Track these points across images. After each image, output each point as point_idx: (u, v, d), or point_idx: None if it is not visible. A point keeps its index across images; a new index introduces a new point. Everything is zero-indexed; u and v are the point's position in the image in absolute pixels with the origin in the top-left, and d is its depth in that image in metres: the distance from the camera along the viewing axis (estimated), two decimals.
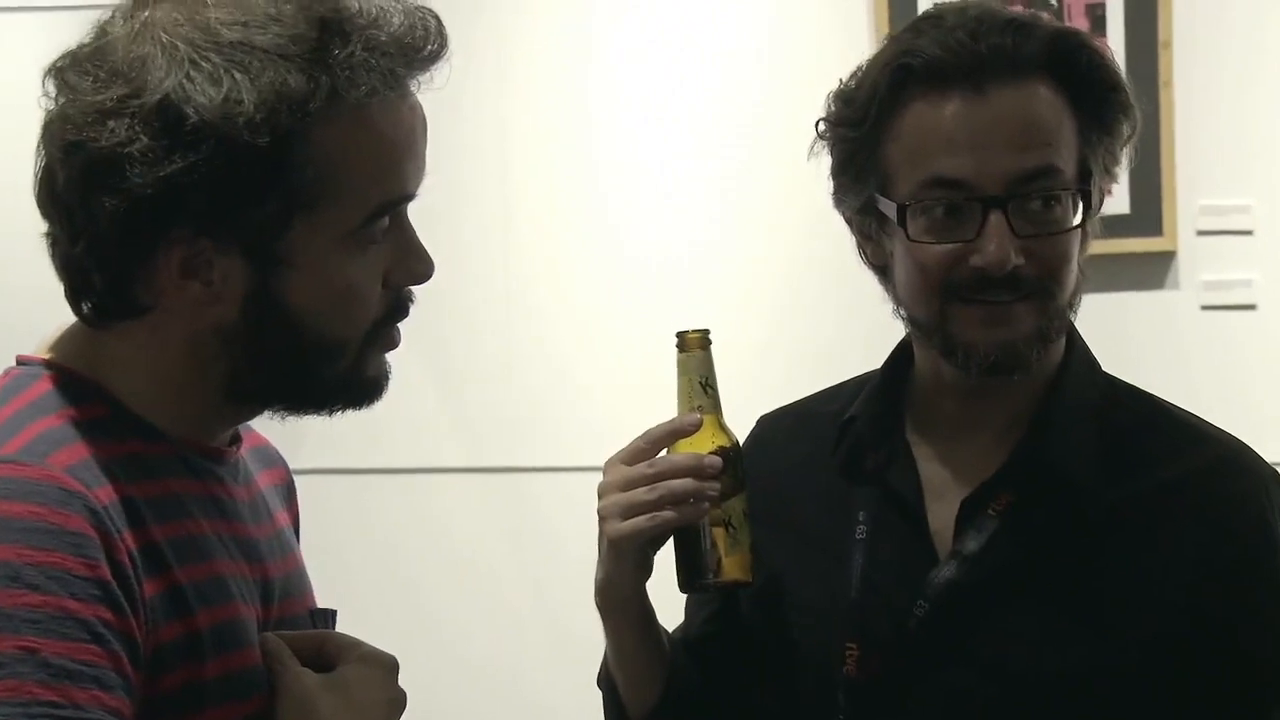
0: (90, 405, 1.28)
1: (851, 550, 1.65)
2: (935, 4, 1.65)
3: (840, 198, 1.66)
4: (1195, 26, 3.18)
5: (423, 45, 1.29)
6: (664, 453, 1.59)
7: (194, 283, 1.26)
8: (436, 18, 1.31)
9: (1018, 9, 1.66)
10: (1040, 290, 1.57)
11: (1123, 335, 3.05)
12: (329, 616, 1.44)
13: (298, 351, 1.30)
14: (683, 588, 1.61)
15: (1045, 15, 1.68)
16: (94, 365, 1.31)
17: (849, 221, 1.67)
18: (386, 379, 1.36)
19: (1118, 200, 3.12)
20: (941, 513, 1.63)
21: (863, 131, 1.60)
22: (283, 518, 1.48)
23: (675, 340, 1.60)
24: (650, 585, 1.64)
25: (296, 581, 1.44)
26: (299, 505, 1.55)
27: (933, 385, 1.67)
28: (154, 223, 1.23)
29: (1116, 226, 2.98)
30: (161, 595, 1.24)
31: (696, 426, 1.58)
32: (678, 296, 3.36)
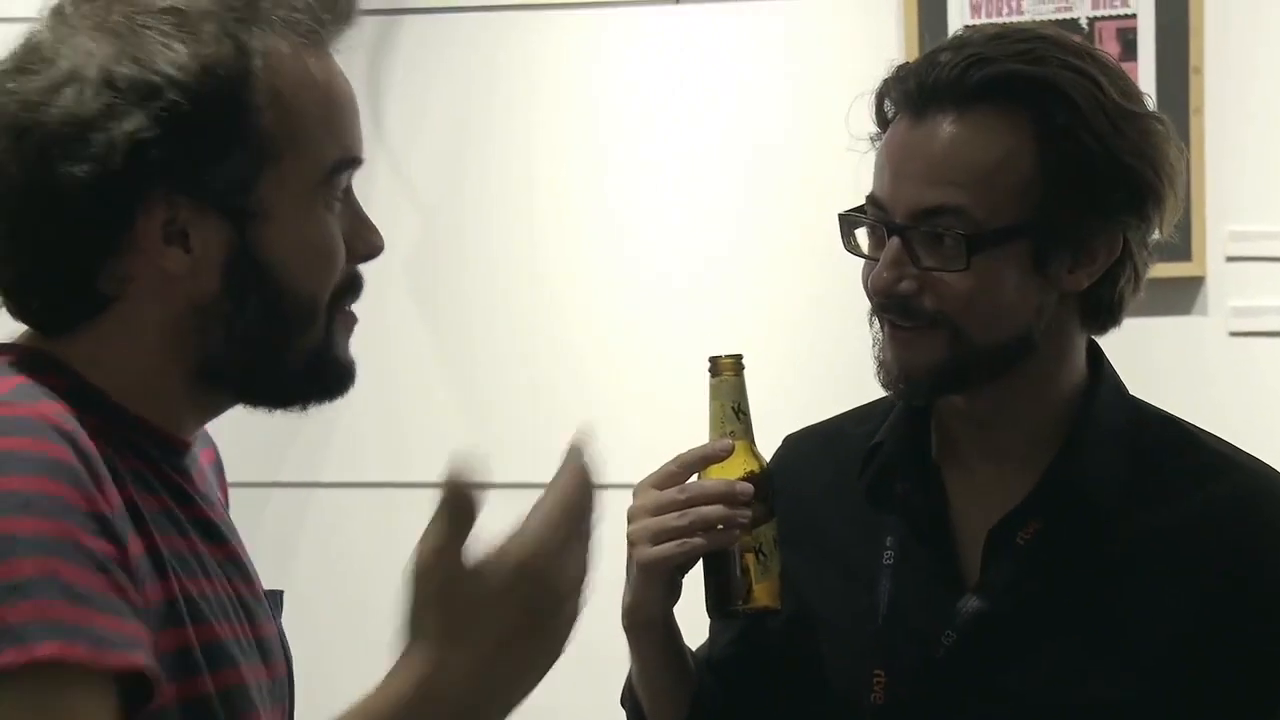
0: (58, 378, 1.27)
1: (879, 576, 1.64)
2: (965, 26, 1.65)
3: None
4: (1227, 52, 3.17)
5: (333, 3, 1.34)
6: (695, 478, 1.59)
7: (176, 249, 1.28)
8: None
9: (1049, 32, 1.64)
10: (944, 322, 1.56)
11: (1151, 361, 3.03)
12: (278, 598, 1.46)
13: (276, 317, 1.31)
14: (711, 613, 1.61)
15: (1077, 40, 1.64)
16: (61, 363, 1.30)
17: None
18: (353, 369, 1.37)
19: None
20: (969, 540, 1.63)
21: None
22: (221, 498, 1.49)
23: (708, 365, 1.60)
24: None
25: (247, 562, 1.44)
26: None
27: (948, 411, 1.66)
28: (129, 185, 1.25)
29: None
30: (144, 556, 1.23)
31: (728, 452, 1.58)
32: (706, 315, 3.35)
